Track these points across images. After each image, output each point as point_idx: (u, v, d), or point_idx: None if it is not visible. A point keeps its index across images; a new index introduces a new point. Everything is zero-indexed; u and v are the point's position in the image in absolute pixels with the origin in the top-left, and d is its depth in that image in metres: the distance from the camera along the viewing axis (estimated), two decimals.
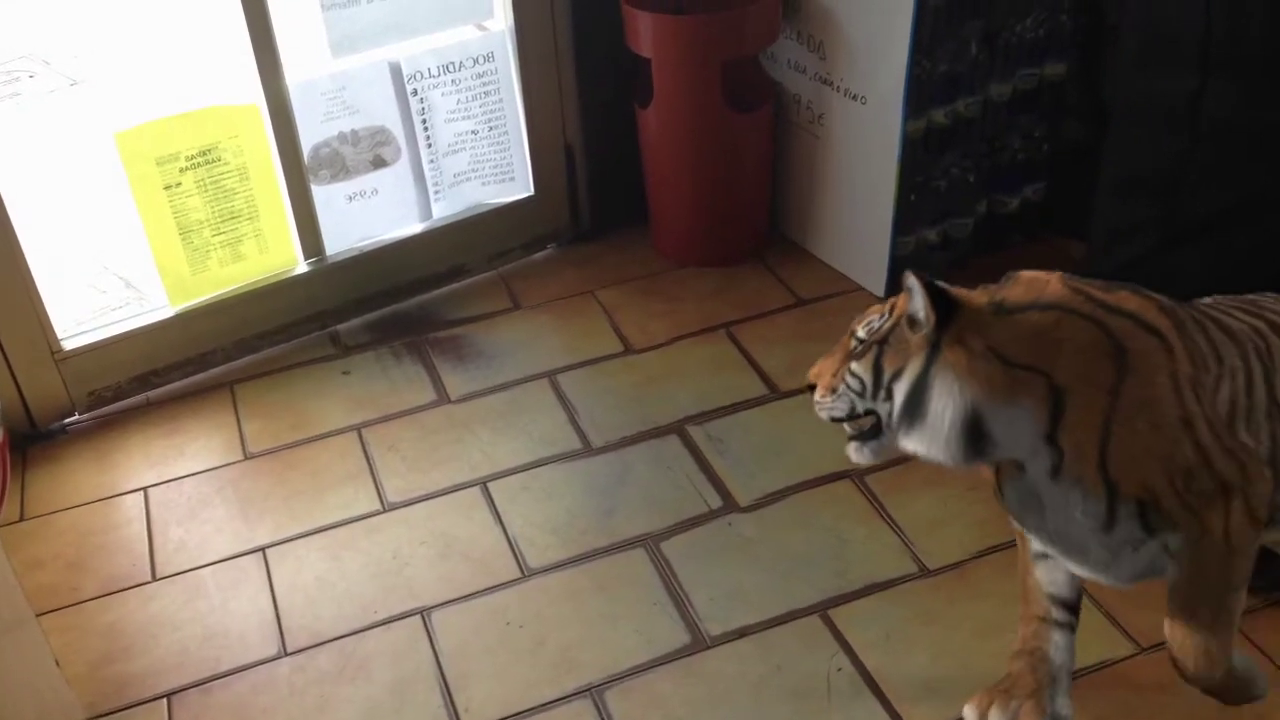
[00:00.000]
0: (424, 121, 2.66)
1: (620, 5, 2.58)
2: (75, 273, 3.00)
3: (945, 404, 1.41)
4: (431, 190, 2.74)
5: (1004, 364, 1.40)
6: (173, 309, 2.52)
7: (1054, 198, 2.69)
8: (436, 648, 1.91)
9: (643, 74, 2.64)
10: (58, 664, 1.78)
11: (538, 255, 2.90)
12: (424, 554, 2.09)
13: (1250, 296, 1.59)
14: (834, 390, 1.51)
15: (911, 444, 1.46)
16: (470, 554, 2.08)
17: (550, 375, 2.50)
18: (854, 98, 2.52)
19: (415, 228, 2.74)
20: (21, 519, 2.23)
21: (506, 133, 2.75)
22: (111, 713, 1.85)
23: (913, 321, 1.43)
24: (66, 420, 2.47)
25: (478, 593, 2.01)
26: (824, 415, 1.54)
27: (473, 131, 2.72)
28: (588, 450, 2.30)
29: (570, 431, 2.34)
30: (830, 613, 1.92)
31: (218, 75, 3.45)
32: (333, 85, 2.53)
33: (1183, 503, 1.41)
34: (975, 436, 1.41)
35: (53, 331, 2.39)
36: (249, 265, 2.57)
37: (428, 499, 2.21)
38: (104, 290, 2.95)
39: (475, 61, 2.65)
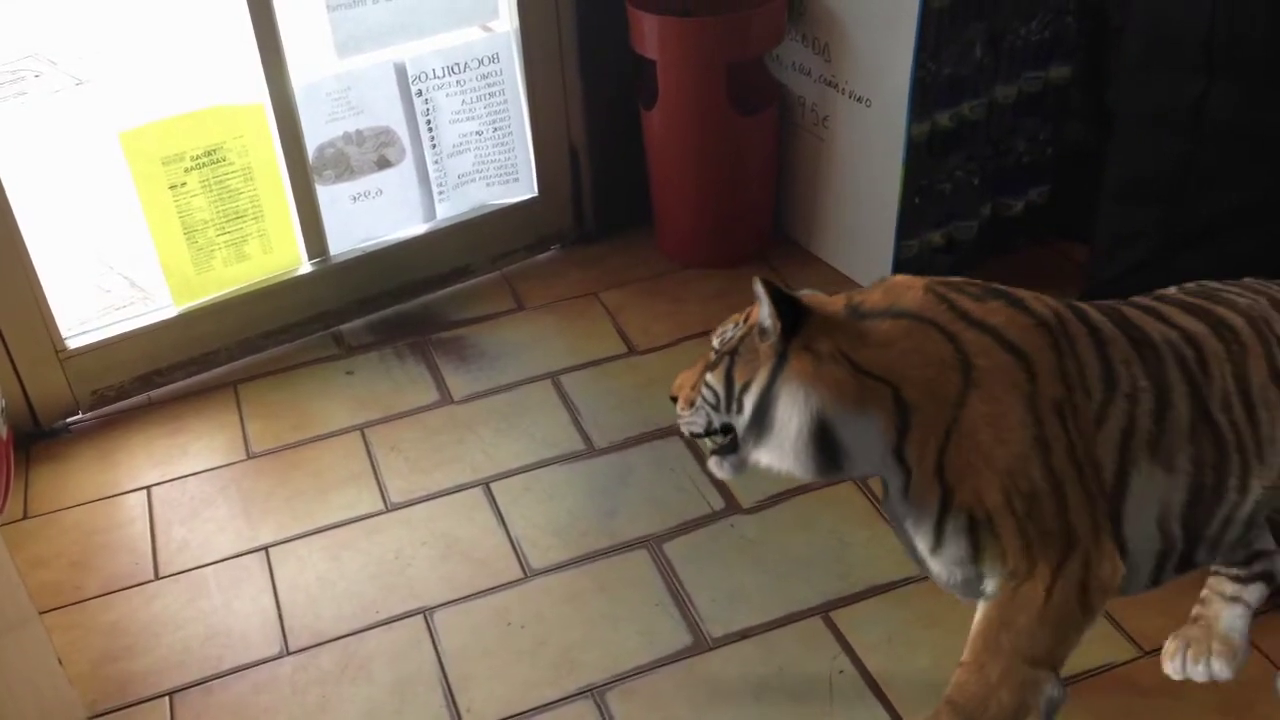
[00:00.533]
0: (429, 122, 2.66)
1: (625, 7, 2.58)
2: (80, 272, 3.01)
3: (791, 413, 1.35)
4: (436, 191, 2.74)
5: (854, 370, 1.34)
6: (177, 308, 2.53)
7: (1058, 201, 2.69)
8: (438, 648, 1.91)
9: (647, 75, 2.64)
10: (60, 662, 1.79)
11: (541, 256, 2.90)
12: (426, 554, 2.09)
13: (1214, 286, 1.52)
14: (692, 404, 1.47)
15: (762, 457, 1.40)
16: (472, 554, 2.08)
17: (553, 376, 2.50)
18: (859, 100, 2.52)
19: (419, 228, 2.75)
20: (25, 517, 2.24)
21: (511, 134, 2.75)
22: (113, 711, 1.85)
23: (762, 330, 1.38)
24: (70, 419, 2.47)
25: (479, 593, 2.01)
26: (684, 430, 1.50)
27: (477, 132, 2.72)
28: (590, 451, 2.30)
29: (573, 432, 2.34)
30: (832, 615, 1.92)
31: (223, 75, 3.45)
32: (338, 86, 2.53)
33: (1019, 529, 1.33)
34: (826, 447, 1.35)
35: (57, 330, 2.39)
36: (253, 265, 2.57)
37: (430, 499, 2.21)
38: (108, 289, 2.95)
39: (480, 62, 2.66)
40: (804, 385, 1.35)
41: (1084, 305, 1.44)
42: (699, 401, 1.46)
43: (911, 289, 1.41)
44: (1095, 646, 1.80)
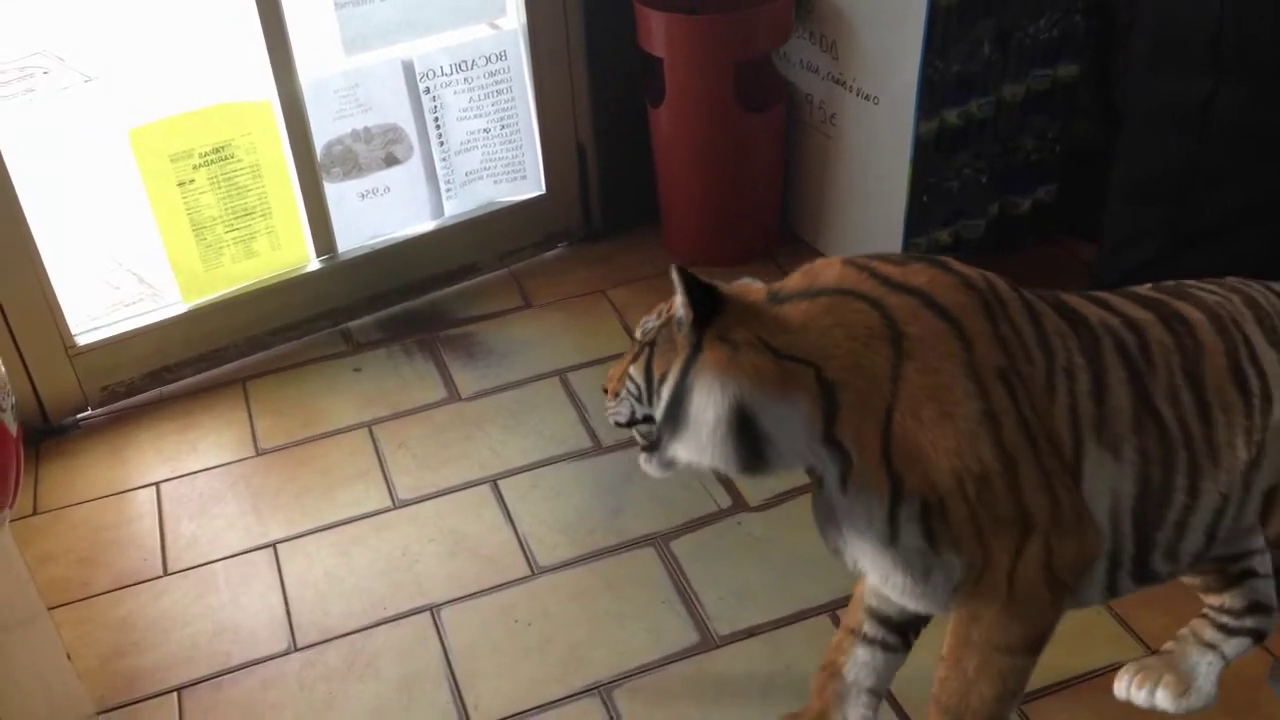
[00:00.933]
0: (436, 119, 2.67)
1: (633, 5, 2.58)
2: (89, 269, 3.02)
3: (706, 404, 1.28)
4: (443, 188, 2.74)
5: (774, 355, 1.27)
6: (186, 305, 2.53)
7: (1066, 199, 2.68)
8: (445, 645, 1.92)
9: (655, 73, 2.64)
10: (69, 657, 1.79)
11: (549, 253, 2.90)
12: (433, 551, 2.10)
13: (1189, 284, 1.45)
14: (617, 395, 1.42)
15: (680, 451, 1.33)
16: (479, 551, 2.09)
17: (561, 373, 2.50)
18: (866, 98, 2.51)
19: (427, 225, 2.75)
20: (34, 513, 2.25)
21: (518, 131, 2.75)
22: (122, 706, 1.86)
23: (678, 321, 1.33)
24: (79, 415, 2.48)
25: (487, 590, 2.01)
26: (611, 420, 1.45)
27: (485, 130, 2.73)
28: (597, 449, 2.30)
29: (580, 430, 2.35)
30: (840, 613, 1.91)
31: (231, 72, 3.45)
32: (345, 83, 2.54)
33: (971, 516, 1.25)
34: (748, 438, 1.28)
35: (66, 327, 2.40)
36: (261, 262, 2.58)
37: (438, 496, 2.21)
38: (117, 286, 2.96)
39: (488, 60, 2.66)
40: (719, 375, 1.28)
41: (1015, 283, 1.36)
42: (623, 392, 1.41)
43: (830, 266, 1.34)
44: (1101, 645, 1.80)
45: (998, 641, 1.33)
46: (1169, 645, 1.65)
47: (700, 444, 1.31)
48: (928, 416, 1.23)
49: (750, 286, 1.39)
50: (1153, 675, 1.61)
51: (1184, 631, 1.65)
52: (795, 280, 1.34)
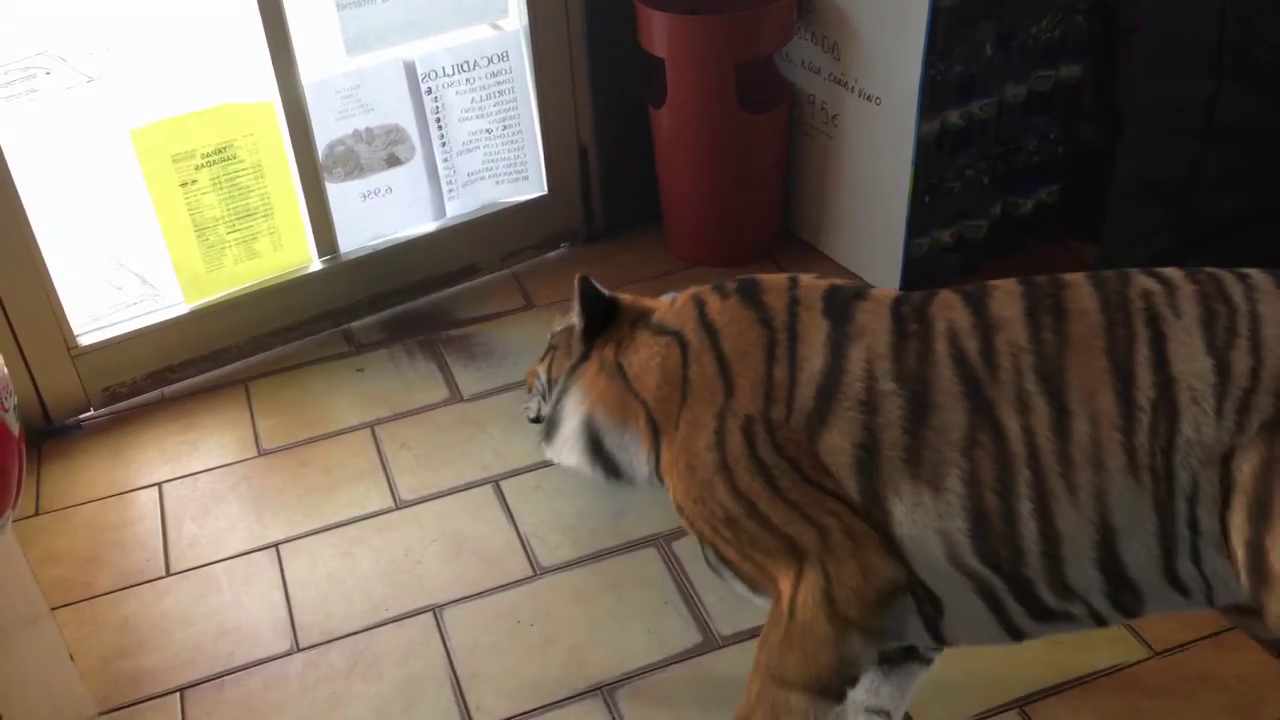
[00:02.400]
0: (438, 120, 2.67)
1: (635, 5, 2.58)
2: (91, 269, 3.02)
3: (571, 413, 1.34)
4: (445, 189, 2.75)
5: (625, 383, 1.31)
6: (188, 306, 2.53)
7: (1068, 200, 2.68)
8: (448, 645, 1.92)
9: (657, 74, 2.65)
10: (72, 658, 1.79)
11: (551, 254, 2.91)
12: (435, 552, 2.10)
13: (1134, 272, 1.25)
14: (531, 390, 1.50)
15: (557, 453, 1.38)
16: (481, 552, 2.09)
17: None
18: (868, 98, 2.51)
19: (429, 226, 2.75)
20: (37, 513, 2.25)
21: (520, 132, 2.75)
22: (124, 707, 1.86)
23: (573, 327, 1.38)
24: (82, 416, 2.48)
25: (489, 591, 2.01)
26: (525, 416, 1.52)
27: (486, 130, 2.73)
28: None
29: None
30: None
31: (233, 73, 3.46)
32: (347, 83, 2.54)
33: (740, 552, 1.25)
34: (600, 455, 1.34)
35: (69, 327, 2.40)
36: (263, 263, 2.58)
37: (440, 497, 2.21)
38: (120, 287, 2.96)
39: (489, 60, 2.66)
40: (582, 389, 1.34)
41: (871, 292, 1.29)
42: (534, 388, 1.50)
43: (684, 295, 1.37)
44: (1104, 647, 1.80)
45: (774, 670, 1.27)
46: None
47: (568, 449, 1.38)
48: (683, 467, 1.27)
49: (659, 304, 1.42)
50: None
51: None
52: (664, 307, 1.38)
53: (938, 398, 1.18)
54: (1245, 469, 1.09)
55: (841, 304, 1.27)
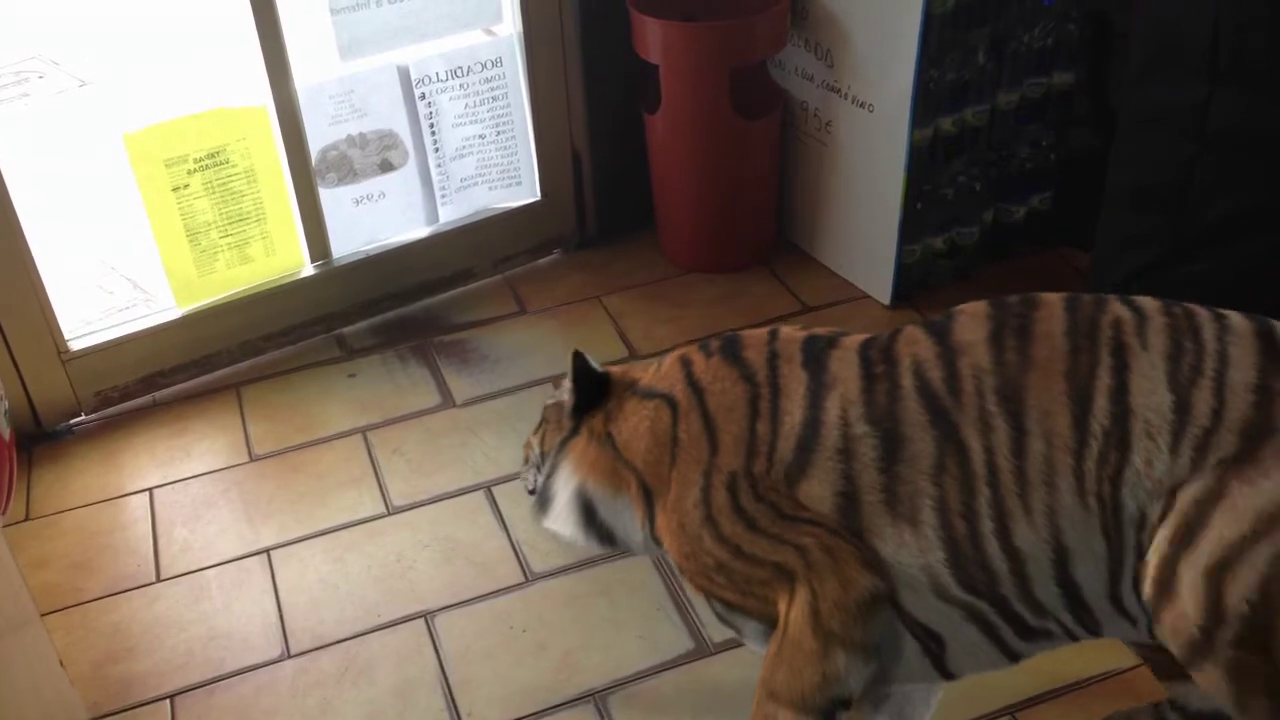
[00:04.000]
0: (432, 125, 2.67)
1: (629, 11, 2.58)
2: (83, 273, 3.01)
3: (562, 486, 1.37)
4: (438, 194, 2.74)
5: (615, 451, 1.34)
6: (179, 310, 2.53)
7: (1061, 207, 2.69)
8: (439, 651, 1.92)
9: (650, 80, 2.65)
10: (62, 664, 1.78)
11: (544, 260, 2.90)
12: (427, 557, 2.09)
13: (1114, 297, 1.24)
14: (526, 461, 1.52)
15: (550, 524, 1.42)
16: (474, 558, 2.08)
17: (555, 380, 2.50)
18: (861, 105, 2.52)
19: (422, 231, 2.75)
20: (27, 519, 2.24)
21: (514, 137, 2.75)
22: (115, 713, 1.85)
23: (563, 401, 1.42)
24: (73, 420, 2.47)
25: (481, 596, 2.01)
26: (524, 487, 1.55)
27: (480, 136, 2.73)
28: None
29: None
30: None
31: (226, 78, 3.45)
32: (341, 89, 2.53)
33: (741, 594, 1.29)
34: (594, 524, 1.37)
35: (60, 332, 2.39)
36: (256, 267, 2.58)
37: (432, 503, 2.21)
38: (111, 291, 2.96)
39: (483, 66, 2.66)
40: (573, 462, 1.38)
41: (842, 340, 1.31)
42: (530, 459, 1.53)
43: (670, 357, 1.40)
44: (1097, 653, 1.80)
45: (767, 684, 1.29)
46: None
47: (562, 521, 1.41)
48: (674, 527, 1.30)
49: (646, 371, 1.44)
50: None
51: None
52: (649, 372, 1.41)
53: (906, 430, 1.21)
54: (1187, 495, 1.11)
55: (817, 354, 1.29)
